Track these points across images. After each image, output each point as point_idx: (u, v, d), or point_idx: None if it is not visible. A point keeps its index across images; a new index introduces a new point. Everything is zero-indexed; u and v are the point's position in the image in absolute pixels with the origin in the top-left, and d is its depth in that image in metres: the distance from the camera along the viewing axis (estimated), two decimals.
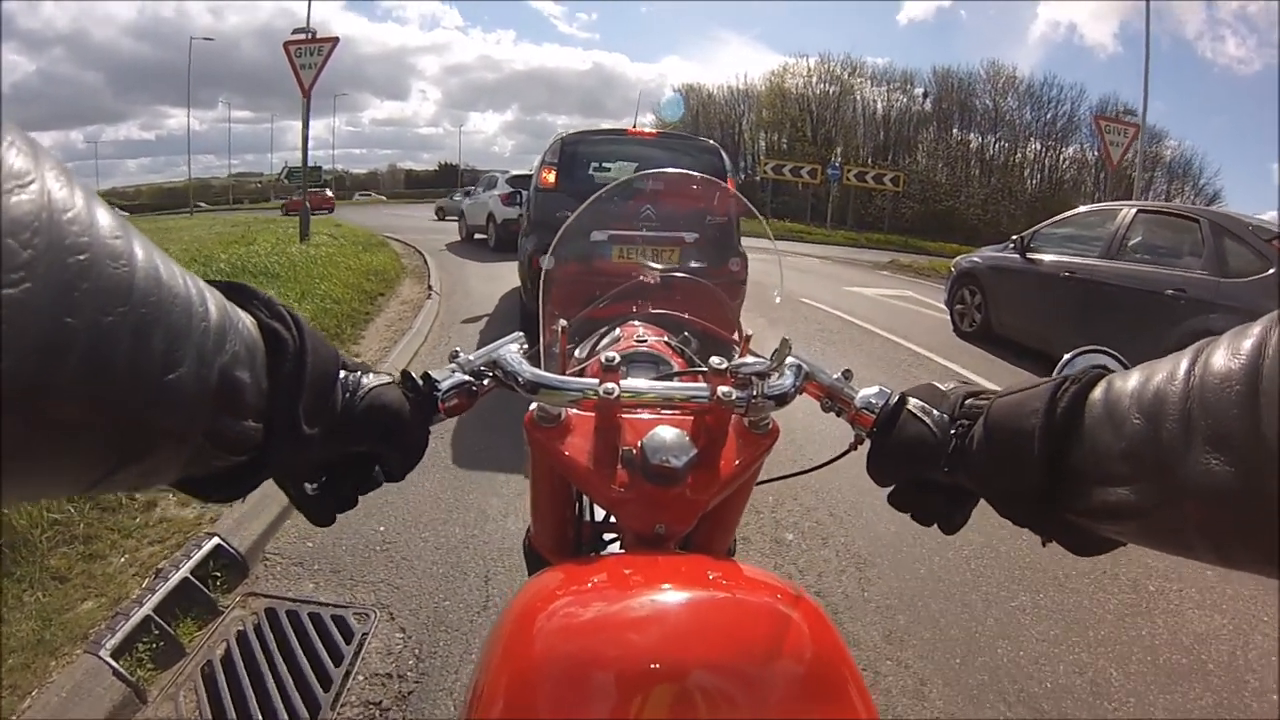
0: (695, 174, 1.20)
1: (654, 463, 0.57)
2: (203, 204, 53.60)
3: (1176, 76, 70.32)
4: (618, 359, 0.63)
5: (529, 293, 5.05)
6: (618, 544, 0.92)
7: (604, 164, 5.31)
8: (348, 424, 0.50)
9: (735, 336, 0.96)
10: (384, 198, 62.61)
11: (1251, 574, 0.36)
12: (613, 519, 0.93)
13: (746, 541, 2.60)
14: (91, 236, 0.29)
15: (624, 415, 0.63)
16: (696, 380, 0.69)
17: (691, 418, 0.64)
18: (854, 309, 8.16)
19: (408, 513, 2.67)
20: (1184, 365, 0.37)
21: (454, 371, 0.62)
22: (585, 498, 0.94)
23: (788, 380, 0.64)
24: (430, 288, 7.68)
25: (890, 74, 39.88)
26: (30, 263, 0.26)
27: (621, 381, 0.61)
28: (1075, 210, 6.48)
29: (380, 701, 1.76)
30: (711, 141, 5.60)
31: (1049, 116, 36.37)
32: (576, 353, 0.99)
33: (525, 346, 0.66)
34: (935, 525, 0.58)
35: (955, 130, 37.87)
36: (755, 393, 0.62)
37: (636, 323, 1.02)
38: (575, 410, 0.64)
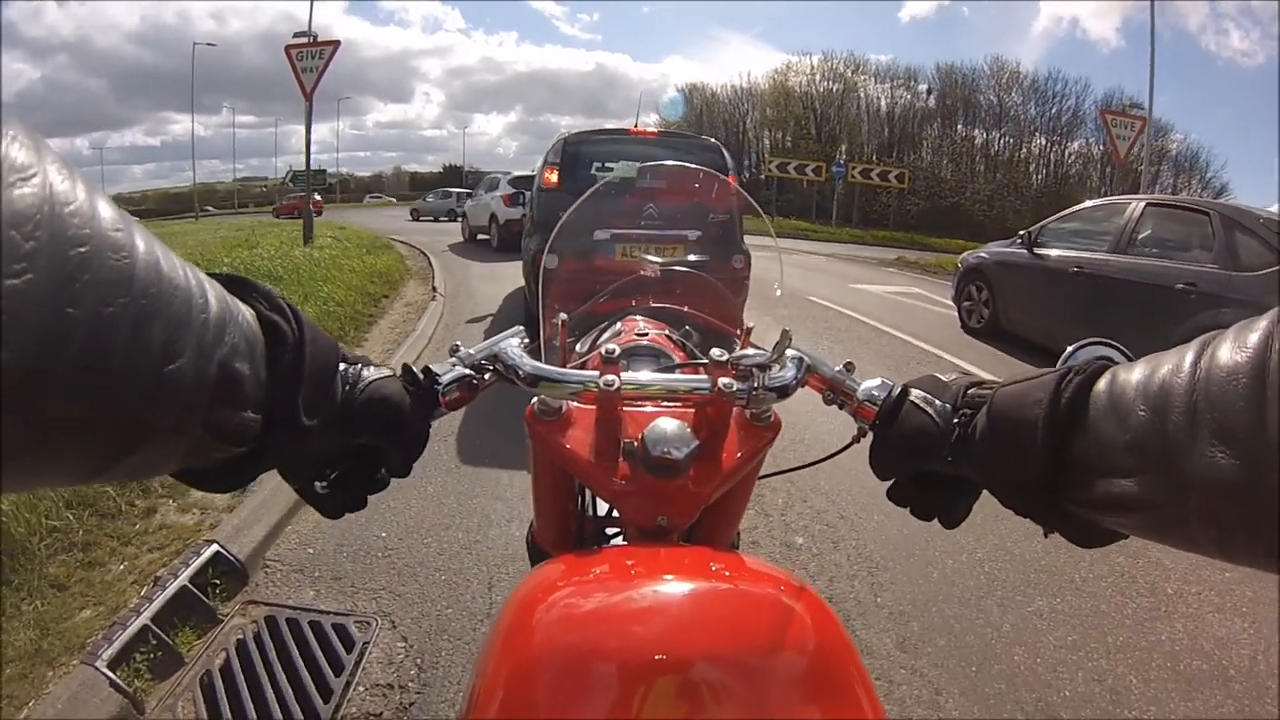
0: (696, 167, 1.18)
1: (655, 455, 0.57)
2: (210, 208, 54.10)
3: (1180, 70, 69.57)
4: (618, 351, 0.63)
5: (533, 292, 5.06)
6: (620, 538, 0.91)
7: (606, 163, 5.30)
8: (348, 416, 0.50)
9: (737, 330, 0.95)
10: (393, 200, 62.98)
11: (1254, 569, 0.35)
12: (615, 513, 0.92)
13: (755, 545, 2.55)
14: (93, 229, 0.29)
15: (625, 408, 0.63)
16: (698, 373, 0.67)
17: (693, 410, 0.63)
18: (861, 306, 8.10)
19: (410, 518, 2.63)
20: (1190, 358, 0.37)
21: (455, 365, 0.62)
22: (587, 491, 0.93)
23: (789, 372, 0.63)
24: (434, 289, 7.66)
25: (894, 71, 39.72)
26: (32, 254, 0.26)
27: (622, 374, 0.61)
28: (1083, 205, 6.44)
29: (381, 713, 1.72)
30: (713, 140, 5.65)
31: (1054, 111, 36.08)
32: (578, 347, 0.98)
33: (526, 340, 0.66)
34: (935, 520, 0.57)
35: (960, 126, 37.66)
36: (756, 384, 0.61)
37: (637, 317, 1.01)
38: (576, 403, 0.64)
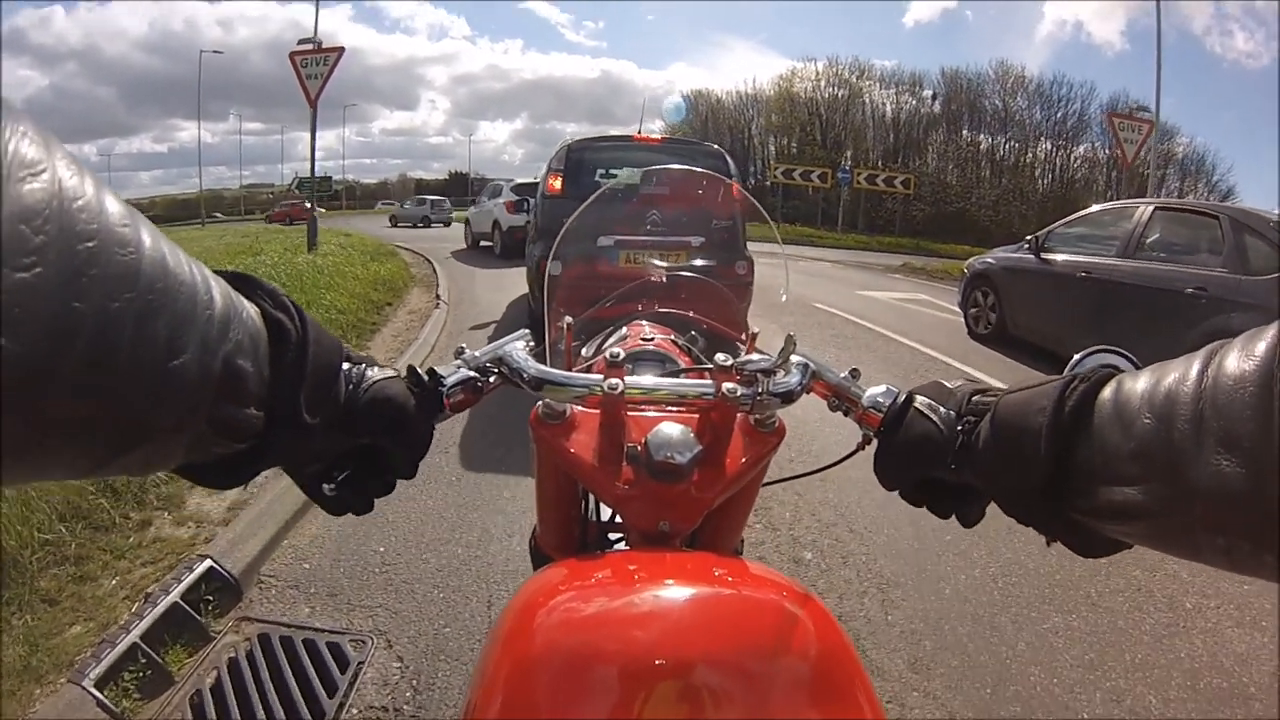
0: (700, 171, 1.18)
1: (658, 459, 0.56)
2: (218, 214, 54.99)
3: (1185, 72, 69.37)
4: (622, 355, 0.63)
5: (537, 299, 5.12)
6: (623, 543, 0.91)
7: (610, 170, 5.34)
8: (351, 415, 0.50)
9: (742, 335, 0.96)
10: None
11: (1261, 579, 0.35)
12: (618, 518, 0.91)
13: (763, 561, 2.48)
14: (100, 224, 0.30)
15: (629, 412, 0.63)
16: (702, 377, 0.67)
17: (697, 415, 0.63)
18: (868, 313, 8.04)
19: (409, 532, 2.58)
20: (1196, 366, 0.37)
21: (459, 367, 0.62)
22: (591, 496, 0.93)
23: (794, 378, 0.63)
24: (438, 297, 7.63)
25: (898, 76, 39.59)
26: (41, 248, 0.27)
27: (626, 378, 0.60)
28: (1090, 209, 6.38)
29: None
30: (716, 146, 5.73)
31: (1059, 115, 35.94)
32: (583, 351, 0.99)
33: (531, 344, 0.66)
34: (954, 518, 0.56)
35: (965, 131, 37.53)
36: (761, 390, 0.61)
37: (643, 321, 1.01)
38: (580, 407, 0.64)
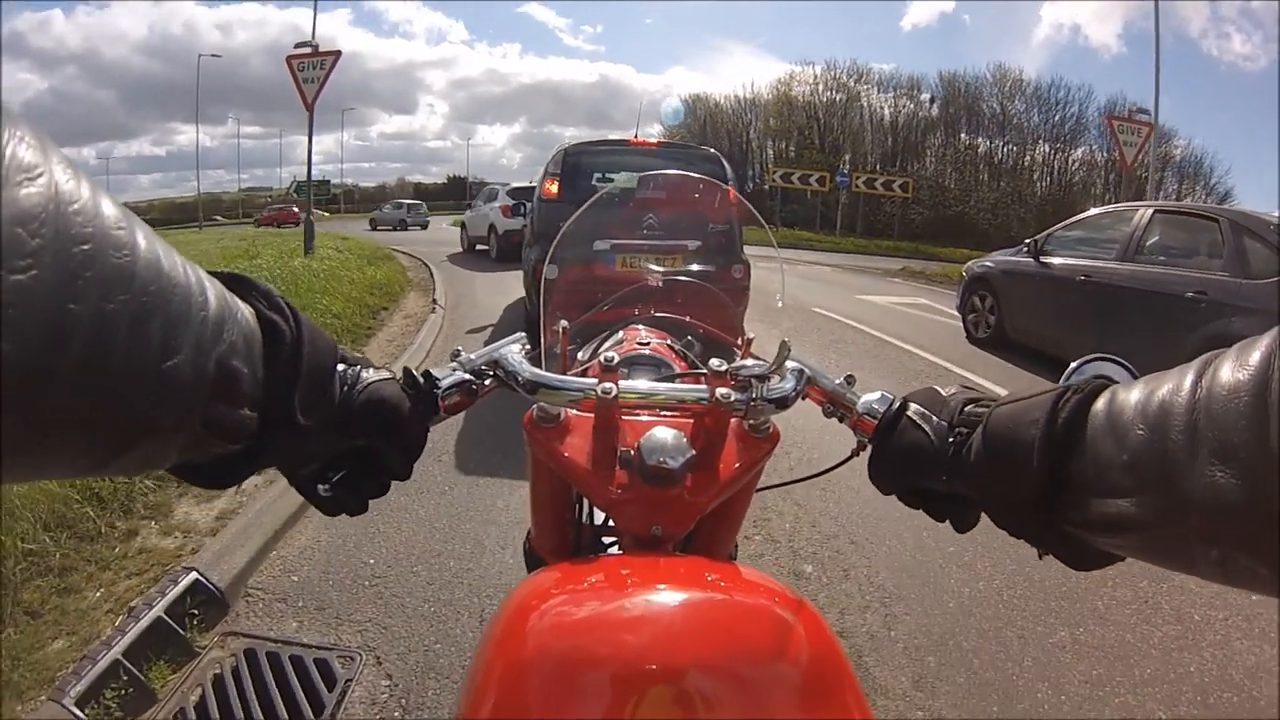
0: (697, 176, 1.18)
1: (651, 464, 0.56)
2: (219, 217, 55.40)
3: (1182, 75, 69.00)
4: (617, 360, 0.63)
5: (534, 303, 5.11)
6: (617, 547, 0.91)
7: (606, 174, 5.35)
8: (346, 417, 0.50)
9: (738, 340, 0.96)
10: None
11: (1256, 592, 0.35)
12: (612, 522, 0.91)
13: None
14: (96, 227, 0.30)
15: (624, 416, 0.63)
16: (697, 382, 0.67)
17: (691, 420, 0.63)
18: (868, 318, 8.00)
19: (400, 543, 2.52)
20: (1190, 377, 0.37)
21: (455, 370, 0.62)
22: (585, 499, 0.93)
23: (789, 384, 0.63)
24: (434, 301, 7.59)
25: (896, 80, 39.69)
26: (38, 251, 0.27)
27: (620, 382, 0.61)
28: (1089, 212, 6.38)
29: None
30: (713, 150, 5.71)
31: (1057, 119, 36.02)
32: (580, 355, 0.99)
33: (527, 347, 0.66)
34: (950, 524, 0.56)
35: (963, 135, 37.57)
36: (755, 396, 0.61)
37: (640, 326, 1.01)
38: (575, 411, 0.64)
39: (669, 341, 0.96)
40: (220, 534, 2.40)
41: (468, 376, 0.62)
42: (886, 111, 39.19)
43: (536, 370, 0.63)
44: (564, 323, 0.83)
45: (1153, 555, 0.40)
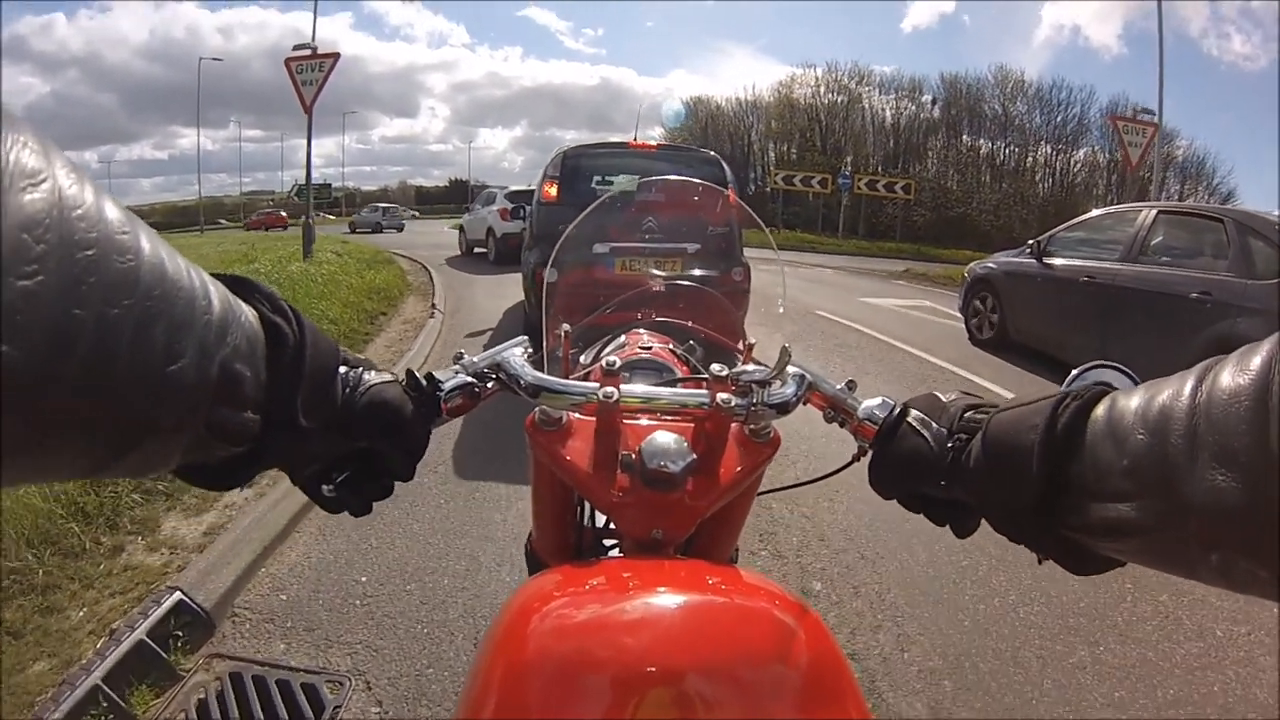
0: (696, 181, 1.17)
1: (651, 468, 0.57)
2: (222, 220, 56.59)
3: (1182, 75, 68.77)
4: (618, 364, 0.63)
5: (534, 307, 5.18)
6: (618, 550, 0.90)
7: (606, 177, 5.35)
8: (348, 419, 0.50)
9: (740, 345, 0.95)
10: (416, 213, 64.84)
11: (1257, 596, 0.34)
12: (613, 525, 0.91)
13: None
14: (100, 232, 0.30)
15: (625, 420, 0.63)
16: (698, 387, 0.67)
17: (692, 424, 0.64)
18: (872, 321, 7.92)
19: (393, 560, 2.44)
20: (1190, 382, 0.37)
21: (457, 373, 0.62)
22: (587, 502, 0.92)
23: (789, 389, 0.64)
24: (434, 306, 7.52)
25: (898, 82, 39.69)
26: (43, 257, 0.27)
27: (621, 386, 0.61)
28: (1092, 213, 6.34)
29: None
30: (712, 153, 5.69)
31: (1059, 120, 36.01)
32: (582, 359, 0.98)
33: (530, 350, 0.67)
34: (950, 528, 0.56)
35: (965, 136, 37.55)
36: (755, 401, 0.62)
37: (642, 330, 1.02)
38: (577, 414, 0.64)
39: (671, 346, 0.96)
40: (208, 550, 2.33)
41: (470, 379, 0.62)
42: (888, 113, 39.22)
43: (538, 374, 0.63)
44: (566, 326, 0.82)
45: (1153, 560, 0.40)
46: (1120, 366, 0.52)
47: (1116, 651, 2.11)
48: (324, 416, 0.48)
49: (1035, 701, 1.88)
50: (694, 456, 0.58)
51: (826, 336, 6.88)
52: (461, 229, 16.14)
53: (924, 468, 0.53)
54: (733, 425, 0.63)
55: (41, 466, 0.31)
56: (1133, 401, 0.40)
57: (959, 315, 7.34)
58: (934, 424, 0.54)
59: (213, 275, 0.40)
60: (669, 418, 0.65)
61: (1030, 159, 36.48)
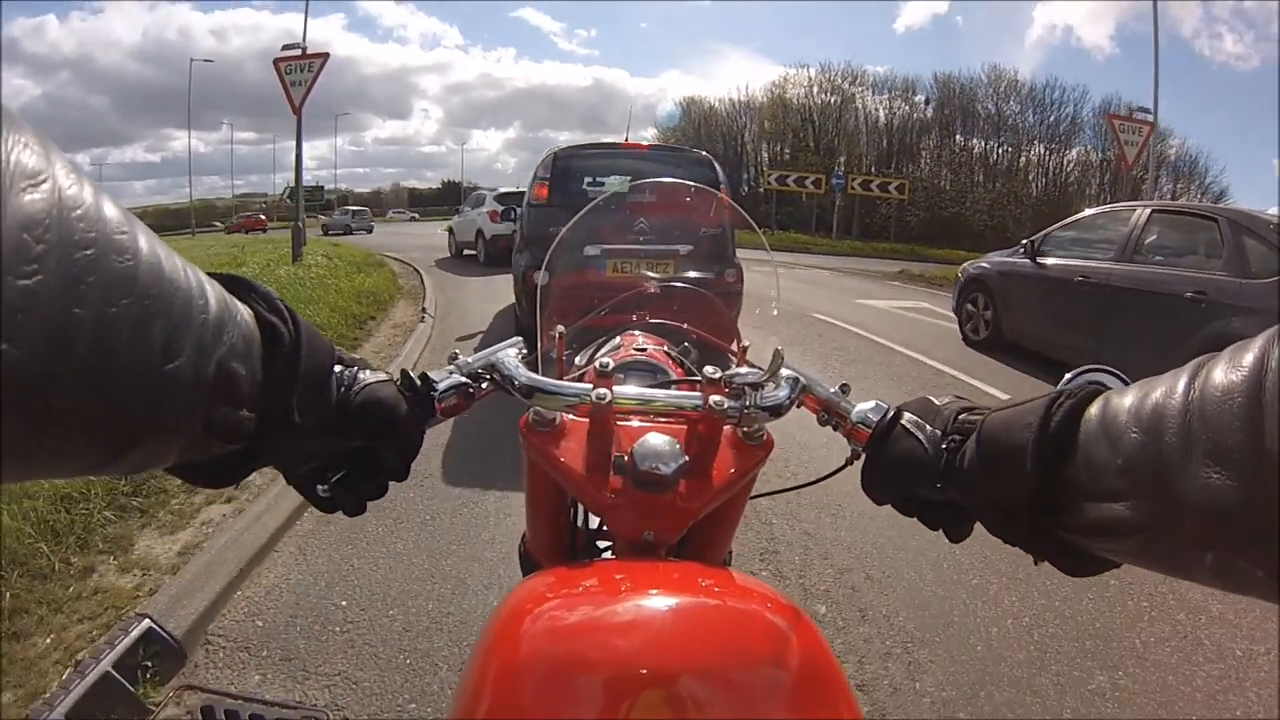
0: (689, 183, 1.15)
1: (644, 469, 0.57)
2: (217, 223, 57.09)
3: (1175, 74, 69.03)
4: (612, 365, 0.64)
5: (524, 309, 5.16)
6: (611, 551, 0.90)
7: (597, 178, 5.32)
8: (343, 418, 0.50)
9: (733, 346, 0.97)
10: (416, 214, 65.62)
11: (1251, 596, 0.34)
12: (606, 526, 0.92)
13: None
14: (99, 232, 0.30)
15: (618, 422, 0.64)
16: (691, 389, 0.67)
17: (684, 426, 0.64)
18: (869, 323, 7.84)
19: (375, 582, 2.33)
20: (1183, 381, 0.36)
21: (452, 373, 0.62)
22: (580, 504, 0.92)
23: (783, 392, 0.63)
24: (423, 309, 7.41)
25: (891, 82, 39.71)
26: (42, 256, 0.27)
27: (615, 388, 0.61)
28: (1086, 212, 6.34)
29: None
30: (704, 153, 5.66)
31: (1052, 119, 36.16)
32: (577, 360, 0.97)
33: (524, 351, 0.67)
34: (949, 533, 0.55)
35: (958, 136, 37.68)
36: (748, 403, 0.62)
37: (636, 331, 1.01)
38: (571, 416, 0.65)
39: (665, 347, 0.96)
40: (181, 571, 2.22)
41: (464, 380, 0.62)
42: (881, 113, 39.29)
43: (533, 375, 0.63)
44: (560, 327, 0.83)
45: (1148, 560, 0.39)
46: (1113, 370, 0.52)
47: (1135, 675, 2.02)
48: (319, 415, 0.48)
49: None
50: (686, 458, 0.58)
51: (824, 339, 6.81)
52: (451, 231, 16.09)
53: (918, 470, 0.53)
54: (726, 428, 0.64)
55: (41, 464, 0.31)
56: (1126, 400, 0.40)
57: (954, 316, 7.29)
58: (928, 426, 0.54)
59: (209, 275, 0.40)
60: (662, 419, 0.65)
61: (1024, 158, 36.70)
